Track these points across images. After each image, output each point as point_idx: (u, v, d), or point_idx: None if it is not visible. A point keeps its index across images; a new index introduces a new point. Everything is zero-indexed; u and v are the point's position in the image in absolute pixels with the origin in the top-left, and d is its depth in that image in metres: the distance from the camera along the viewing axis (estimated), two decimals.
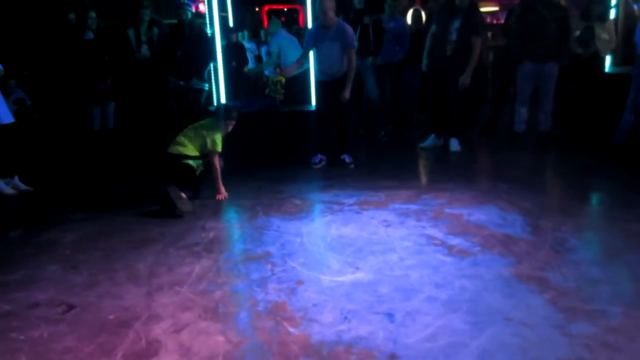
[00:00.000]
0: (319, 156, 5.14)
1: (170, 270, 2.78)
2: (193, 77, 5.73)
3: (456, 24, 5.22)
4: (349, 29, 4.90)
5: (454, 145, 5.55)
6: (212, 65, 5.84)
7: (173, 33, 6.16)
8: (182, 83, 5.79)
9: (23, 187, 4.47)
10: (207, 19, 6.01)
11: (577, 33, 5.68)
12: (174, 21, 6.57)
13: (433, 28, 5.55)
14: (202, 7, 6.93)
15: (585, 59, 5.68)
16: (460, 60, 5.23)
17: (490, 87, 8.69)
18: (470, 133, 6.16)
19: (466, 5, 5.23)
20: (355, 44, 5.11)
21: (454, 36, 5.25)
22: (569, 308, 2.22)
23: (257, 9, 12.15)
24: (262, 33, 9.55)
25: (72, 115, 5.59)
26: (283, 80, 5.61)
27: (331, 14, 4.83)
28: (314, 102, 5.67)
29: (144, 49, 5.96)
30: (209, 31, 5.87)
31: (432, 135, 5.75)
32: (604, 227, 3.36)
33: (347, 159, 5.08)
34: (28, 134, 5.00)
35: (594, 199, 4.17)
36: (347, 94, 4.89)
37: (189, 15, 6.13)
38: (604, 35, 5.59)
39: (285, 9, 12.44)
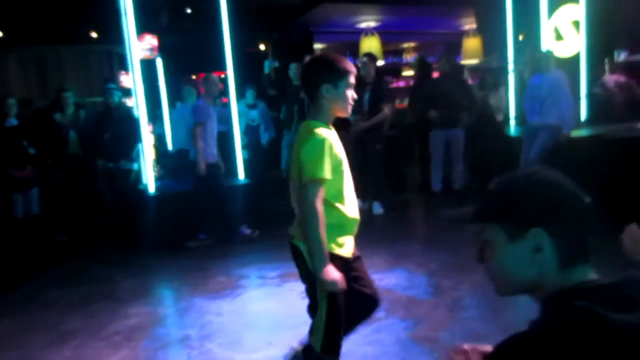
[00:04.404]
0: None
1: None
2: (121, 158, 5.88)
3: (367, 95, 5.74)
4: (194, 105, 5.21)
5: (377, 208, 5.91)
6: (140, 145, 6.01)
7: (100, 117, 6.35)
8: (110, 165, 5.93)
9: None
10: (135, 99, 6.20)
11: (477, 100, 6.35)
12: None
13: None
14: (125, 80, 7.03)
15: (485, 123, 6.32)
16: (374, 127, 5.70)
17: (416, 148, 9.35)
18: (401, 194, 6.56)
19: (372, 78, 5.79)
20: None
21: (366, 105, 5.76)
22: None
23: (193, 77, 12.47)
24: None
25: None
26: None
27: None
28: (240, 175, 5.93)
29: (72, 135, 6.08)
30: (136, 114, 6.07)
31: (359, 201, 6.09)
32: None
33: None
34: None
35: None
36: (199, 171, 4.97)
37: (116, 98, 6.38)
38: (497, 102, 6.28)
39: (223, 76, 12.81)
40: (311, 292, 2.08)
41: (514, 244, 0.94)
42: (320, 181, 1.89)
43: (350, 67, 1.98)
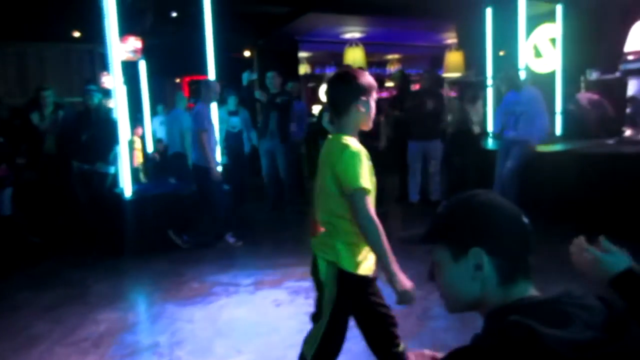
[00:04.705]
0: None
1: None
2: (98, 161, 5.83)
3: None
4: (195, 110, 5.26)
5: None
6: (117, 149, 5.97)
7: (80, 118, 6.29)
8: (86, 167, 5.87)
9: None
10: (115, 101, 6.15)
11: (455, 112, 6.47)
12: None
13: (327, 114, 6.13)
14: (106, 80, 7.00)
15: (463, 135, 6.44)
16: None
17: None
18: (379, 204, 6.60)
19: None
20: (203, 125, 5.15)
21: None
22: None
23: (177, 80, 12.41)
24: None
25: None
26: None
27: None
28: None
29: (50, 141, 6.02)
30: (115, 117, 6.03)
31: None
32: None
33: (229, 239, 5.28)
34: None
35: None
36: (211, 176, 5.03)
37: (96, 100, 6.32)
38: (474, 114, 6.40)
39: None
40: (319, 301, 2.09)
41: (457, 263, 0.99)
42: (365, 190, 1.89)
43: (374, 82, 2.05)
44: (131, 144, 7.52)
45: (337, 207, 1.97)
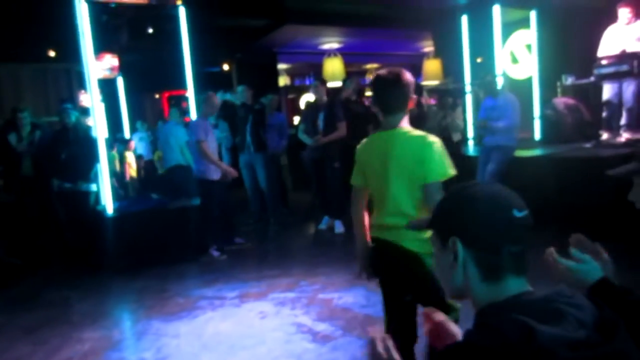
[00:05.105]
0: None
1: None
2: (78, 179, 5.75)
3: (321, 116, 5.87)
4: (191, 123, 5.37)
5: (338, 226, 5.96)
6: (97, 166, 5.89)
7: (57, 136, 6.20)
8: (67, 185, 5.78)
9: None
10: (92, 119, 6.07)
11: (436, 119, 6.54)
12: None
13: (302, 127, 6.18)
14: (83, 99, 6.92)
15: (443, 143, 6.52)
16: (330, 145, 5.81)
17: None
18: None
19: (325, 101, 5.97)
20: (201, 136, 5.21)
21: (321, 126, 5.89)
22: None
23: (157, 96, 12.32)
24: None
25: None
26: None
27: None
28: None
29: (27, 162, 5.93)
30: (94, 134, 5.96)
31: (326, 217, 6.16)
32: None
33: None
34: None
35: None
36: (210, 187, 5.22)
37: (73, 118, 6.25)
38: (455, 121, 6.49)
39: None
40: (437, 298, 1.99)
41: (444, 252, 1.01)
42: (447, 179, 1.97)
43: None
44: (123, 158, 7.49)
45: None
